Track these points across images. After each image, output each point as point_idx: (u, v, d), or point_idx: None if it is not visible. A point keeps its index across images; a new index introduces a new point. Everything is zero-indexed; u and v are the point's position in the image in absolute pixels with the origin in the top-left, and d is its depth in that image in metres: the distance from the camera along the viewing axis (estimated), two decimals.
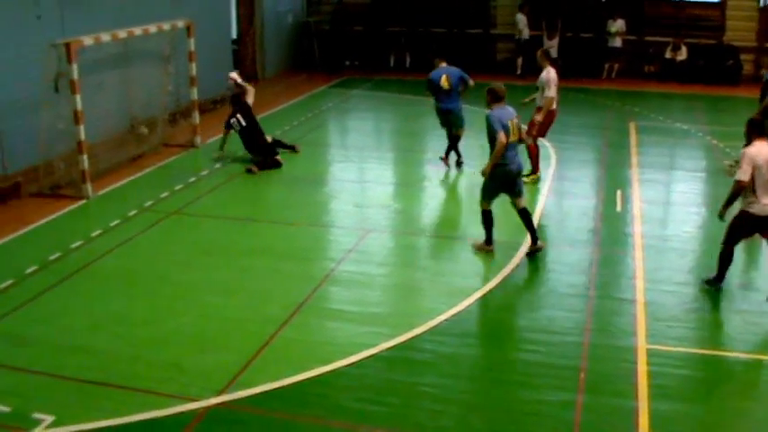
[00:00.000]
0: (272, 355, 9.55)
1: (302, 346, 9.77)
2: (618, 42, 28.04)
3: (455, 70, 16.88)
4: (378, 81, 28.08)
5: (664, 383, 8.97)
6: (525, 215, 12.49)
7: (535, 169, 16.21)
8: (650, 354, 9.58)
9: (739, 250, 11.64)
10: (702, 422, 8.37)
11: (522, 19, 28.52)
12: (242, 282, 11.63)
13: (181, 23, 18.12)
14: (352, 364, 9.33)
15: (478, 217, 14.34)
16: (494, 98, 12.13)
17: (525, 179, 14.85)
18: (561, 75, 15.80)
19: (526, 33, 28.66)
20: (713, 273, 11.37)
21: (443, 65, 17.08)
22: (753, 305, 10.92)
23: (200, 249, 12.81)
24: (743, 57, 27.84)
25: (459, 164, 17.50)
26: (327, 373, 9.12)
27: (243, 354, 9.49)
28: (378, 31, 30.39)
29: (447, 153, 17.41)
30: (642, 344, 9.81)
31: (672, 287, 11.46)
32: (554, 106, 16.04)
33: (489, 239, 12.69)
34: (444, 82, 16.74)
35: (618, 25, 27.75)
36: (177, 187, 15.74)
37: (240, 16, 26.98)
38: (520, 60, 28.83)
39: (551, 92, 15.71)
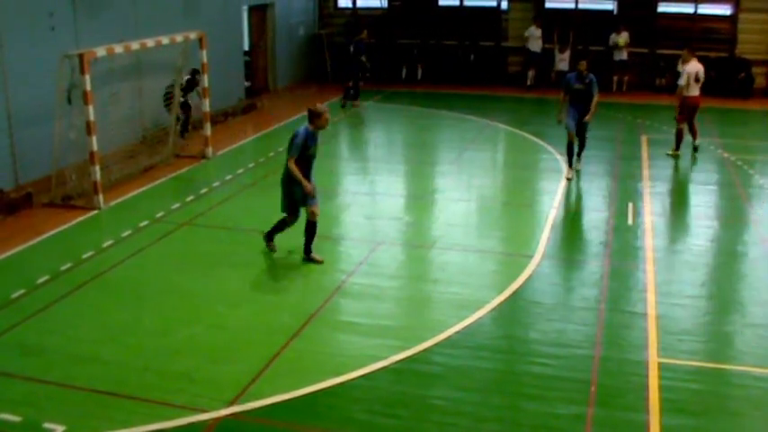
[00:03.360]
0: (282, 366, 9.55)
1: (313, 357, 9.77)
2: (624, 55, 28.01)
3: None
4: (389, 93, 28.13)
5: (675, 397, 8.94)
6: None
7: (677, 147, 19.63)
8: (662, 367, 9.55)
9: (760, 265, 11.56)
10: None
11: (534, 32, 28.52)
12: (253, 293, 11.66)
13: (193, 35, 18.19)
14: (363, 376, 9.32)
15: (490, 230, 14.42)
16: (310, 117, 12.28)
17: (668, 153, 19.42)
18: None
19: (537, 46, 28.66)
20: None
21: None
22: (763, 319, 10.88)
23: (212, 260, 12.82)
24: (755, 70, 27.78)
25: None
26: (338, 384, 9.12)
27: (253, 365, 9.49)
28: (390, 43, 30.47)
29: None
30: (653, 357, 9.78)
31: (683, 301, 11.43)
32: (685, 93, 18.95)
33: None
34: None
35: (623, 38, 27.71)
36: (188, 198, 15.78)
37: (252, 28, 27.08)
38: (531, 73, 28.86)
39: (682, 81, 18.92)
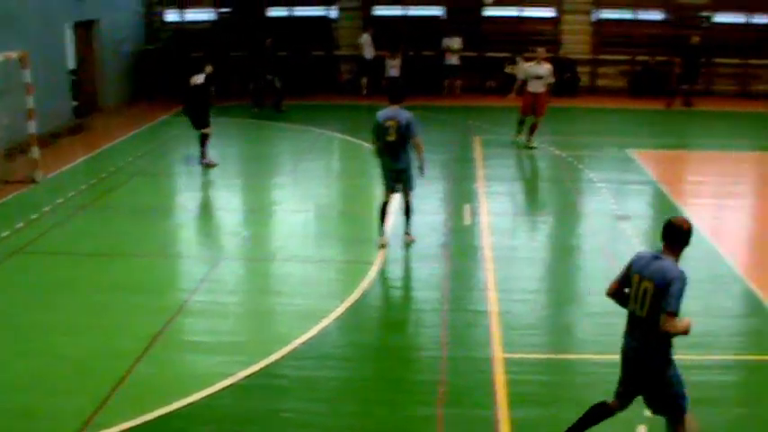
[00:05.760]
0: (127, 392, 9.26)
1: (158, 380, 9.53)
2: (455, 60, 28.56)
3: None
4: (222, 107, 27.58)
5: (522, 390, 9.15)
6: None
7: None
8: (507, 362, 9.76)
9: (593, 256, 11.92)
10: (562, 425, 8.50)
11: (366, 39, 28.71)
12: (92, 319, 11.23)
13: (14, 54, 17.49)
14: (211, 395, 9.14)
15: (329, 239, 14.43)
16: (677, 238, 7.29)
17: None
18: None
19: (370, 53, 28.86)
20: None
21: None
22: (600, 308, 11.20)
23: (46, 289, 12.33)
24: (579, 69, 28.85)
25: None
26: (186, 406, 8.90)
27: (97, 394, 9.15)
28: (220, 55, 29.98)
29: None
30: (498, 353, 9.98)
31: (523, 296, 11.73)
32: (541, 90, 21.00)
33: None
34: None
35: (455, 42, 28.26)
36: (18, 225, 15.10)
37: (78, 45, 26.31)
38: (365, 80, 29.03)
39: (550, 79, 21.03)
